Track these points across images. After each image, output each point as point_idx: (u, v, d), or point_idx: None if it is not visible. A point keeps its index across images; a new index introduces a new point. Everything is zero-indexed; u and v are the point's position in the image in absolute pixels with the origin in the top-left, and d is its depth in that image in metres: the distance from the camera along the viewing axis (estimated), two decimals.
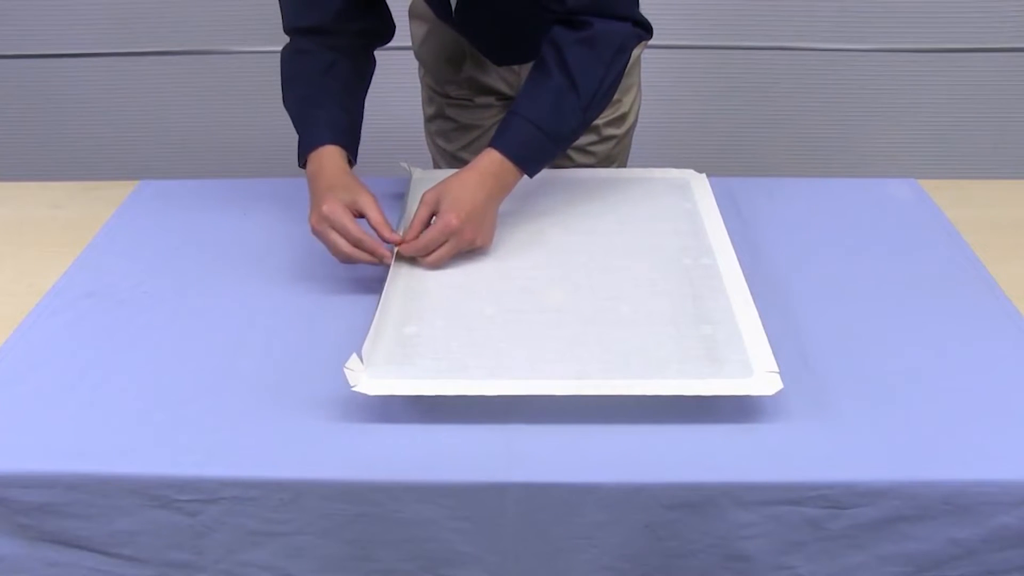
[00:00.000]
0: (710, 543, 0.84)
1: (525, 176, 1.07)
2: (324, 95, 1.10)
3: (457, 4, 1.15)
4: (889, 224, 1.18)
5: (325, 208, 0.99)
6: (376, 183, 1.27)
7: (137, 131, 2.27)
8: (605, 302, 0.98)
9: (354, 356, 0.86)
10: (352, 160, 1.09)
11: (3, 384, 0.91)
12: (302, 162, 1.08)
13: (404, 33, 1.34)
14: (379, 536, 0.84)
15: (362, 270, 1.03)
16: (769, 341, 0.90)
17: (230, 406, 0.88)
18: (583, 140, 1.34)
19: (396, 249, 1.02)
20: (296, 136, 1.09)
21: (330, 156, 1.05)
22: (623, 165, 1.42)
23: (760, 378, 0.86)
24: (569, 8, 1.04)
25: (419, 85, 1.42)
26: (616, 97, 1.32)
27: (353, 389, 0.84)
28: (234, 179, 1.31)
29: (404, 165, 1.25)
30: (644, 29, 1.08)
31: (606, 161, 1.38)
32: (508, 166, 1.04)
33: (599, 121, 1.33)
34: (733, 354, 0.89)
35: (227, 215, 1.20)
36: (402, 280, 1.01)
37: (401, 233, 1.04)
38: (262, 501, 0.82)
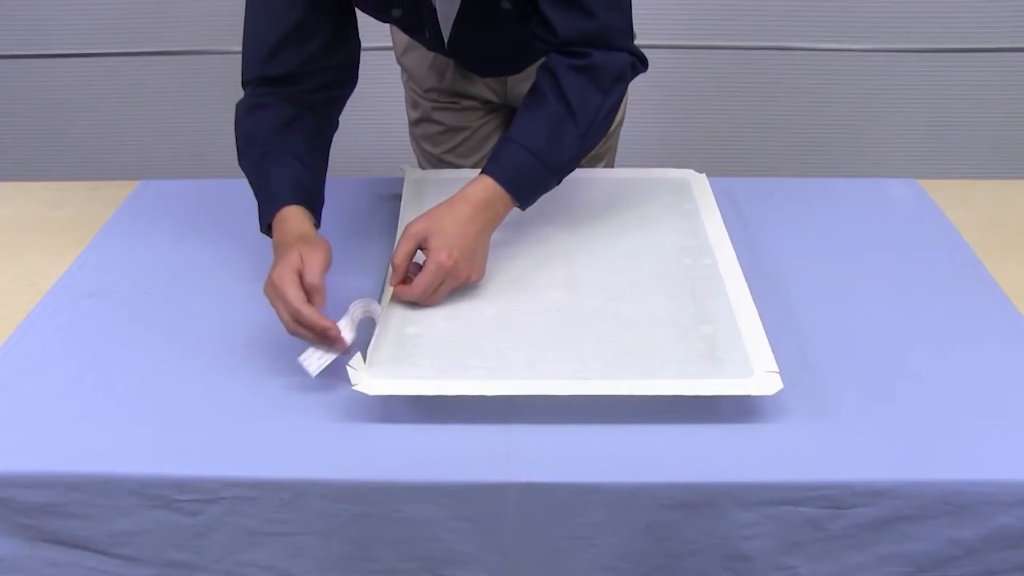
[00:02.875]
0: (710, 543, 0.84)
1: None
2: (284, 152, 1.00)
3: (450, 39, 1.13)
4: (889, 224, 1.18)
5: (275, 272, 0.89)
6: (374, 184, 1.27)
7: (137, 131, 2.27)
8: (605, 302, 0.98)
9: (358, 355, 0.86)
10: (316, 223, 1.00)
11: (3, 384, 0.91)
12: (265, 227, 0.99)
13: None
14: (379, 536, 0.84)
15: (361, 275, 1.03)
16: (769, 341, 0.90)
17: (230, 406, 0.88)
18: None
19: (391, 293, 0.96)
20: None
21: (294, 216, 0.96)
22: (611, 163, 1.42)
23: (760, 378, 0.86)
24: (562, 40, 0.99)
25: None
26: None
27: (354, 388, 0.84)
28: (234, 179, 1.31)
29: (404, 168, 1.24)
30: (640, 61, 1.04)
31: (593, 160, 1.37)
32: (500, 194, 0.97)
33: None
34: (733, 354, 0.89)
35: (227, 215, 1.20)
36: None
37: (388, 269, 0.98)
38: (262, 501, 0.82)
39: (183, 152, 2.24)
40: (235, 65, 1.06)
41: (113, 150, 2.29)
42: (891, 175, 1.31)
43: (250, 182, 1.02)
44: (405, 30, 1.22)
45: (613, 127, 1.37)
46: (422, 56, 1.30)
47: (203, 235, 1.16)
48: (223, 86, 2.14)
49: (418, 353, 0.90)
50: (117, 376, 0.92)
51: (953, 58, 2.12)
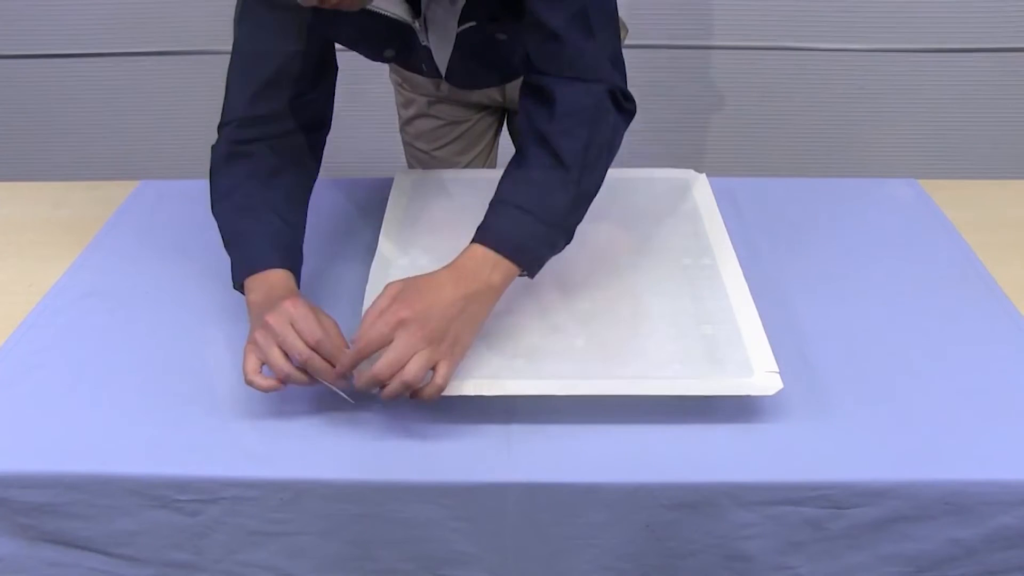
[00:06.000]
0: (710, 543, 0.84)
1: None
2: (266, 207, 0.94)
3: (448, 71, 1.12)
4: (889, 224, 1.18)
5: (287, 303, 0.83)
6: (369, 184, 1.27)
7: (137, 131, 2.27)
8: (605, 302, 0.98)
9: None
10: (297, 285, 0.94)
11: (3, 384, 0.91)
12: (238, 284, 0.93)
13: None
14: (379, 536, 0.84)
15: (352, 278, 1.03)
16: (769, 341, 0.90)
17: (230, 406, 0.88)
18: None
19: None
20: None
21: (280, 279, 0.91)
22: None
23: (760, 378, 0.86)
24: (534, 67, 0.94)
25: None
26: None
27: (355, 387, 0.84)
28: None
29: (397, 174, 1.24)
30: (624, 96, 0.95)
31: None
32: (492, 259, 0.87)
33: None
34: (733, 354, 0.89)
35: None
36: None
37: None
38: (262, 501, 0.82)
39: (183, 152, 2.24)
40: None
41: (113, 150, 2.29)
42: (891, 175, 1.31)
43: (224, 233, 0.96)
44: (401, 66, 1.20)
45: None
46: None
47: (203, 235, 1.16)
48: (223, 86, 2.14)
49: None
50: (117, 376, 0.92)
51: (953, 58, 2.12)
